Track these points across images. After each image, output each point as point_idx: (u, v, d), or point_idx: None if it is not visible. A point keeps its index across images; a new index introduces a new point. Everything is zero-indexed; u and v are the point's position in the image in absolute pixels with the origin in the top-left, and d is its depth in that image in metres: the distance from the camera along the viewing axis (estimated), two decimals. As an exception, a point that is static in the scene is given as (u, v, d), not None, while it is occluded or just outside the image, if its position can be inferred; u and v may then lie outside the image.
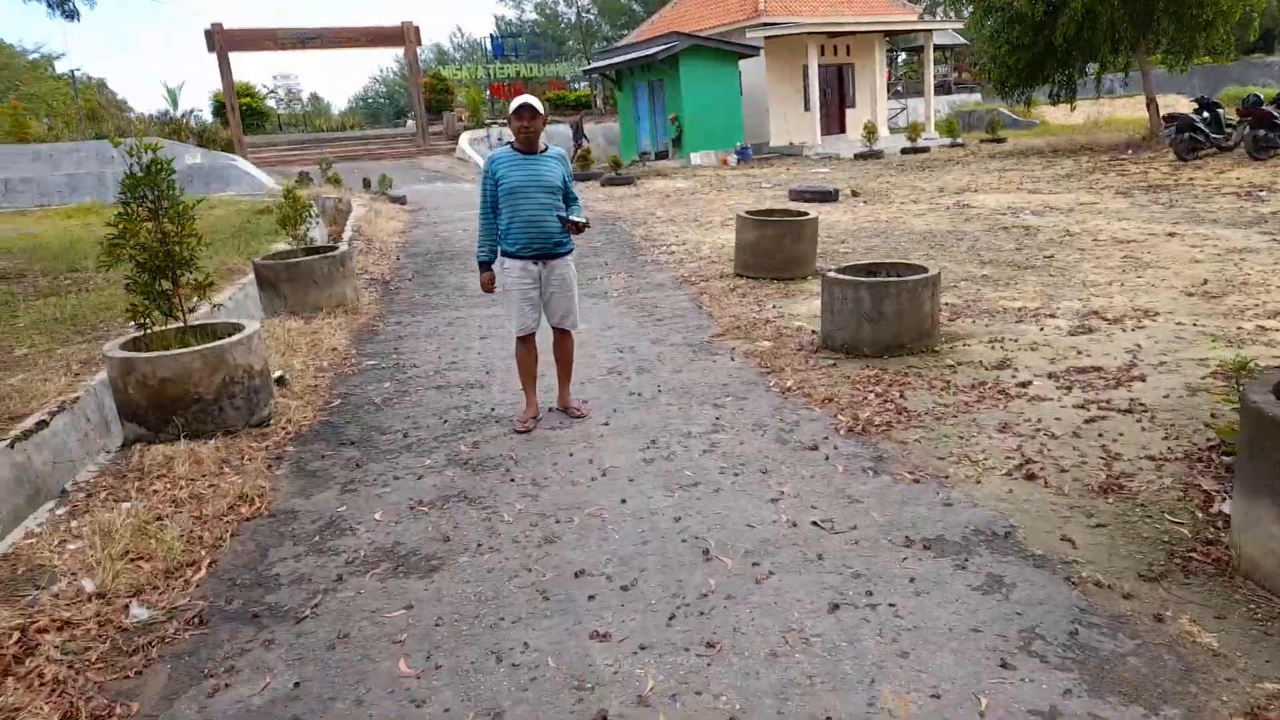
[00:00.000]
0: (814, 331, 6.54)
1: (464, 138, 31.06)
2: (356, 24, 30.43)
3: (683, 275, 9.25)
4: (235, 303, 8.42)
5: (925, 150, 24.39)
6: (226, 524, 3.91)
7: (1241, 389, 3.05)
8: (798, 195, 14.96)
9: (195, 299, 5.50)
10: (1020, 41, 19.65)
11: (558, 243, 4.90)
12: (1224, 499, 3.39)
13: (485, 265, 4.98)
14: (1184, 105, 25.61)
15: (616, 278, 9.38)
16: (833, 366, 5.71)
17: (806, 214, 8.86)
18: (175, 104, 29.86)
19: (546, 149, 4.88)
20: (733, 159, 24.69)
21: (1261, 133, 14.23)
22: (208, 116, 32.94)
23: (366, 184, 21.83)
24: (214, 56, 27.61)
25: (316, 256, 7.97)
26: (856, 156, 24.07)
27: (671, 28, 27.67)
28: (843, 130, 28.73)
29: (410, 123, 36.84)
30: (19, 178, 24.56)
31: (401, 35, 30.32)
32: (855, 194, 15.35)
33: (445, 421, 5.21)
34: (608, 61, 28.52)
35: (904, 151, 24.51)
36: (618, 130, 31.07)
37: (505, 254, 4.90)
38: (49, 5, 16.35)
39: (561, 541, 3.61)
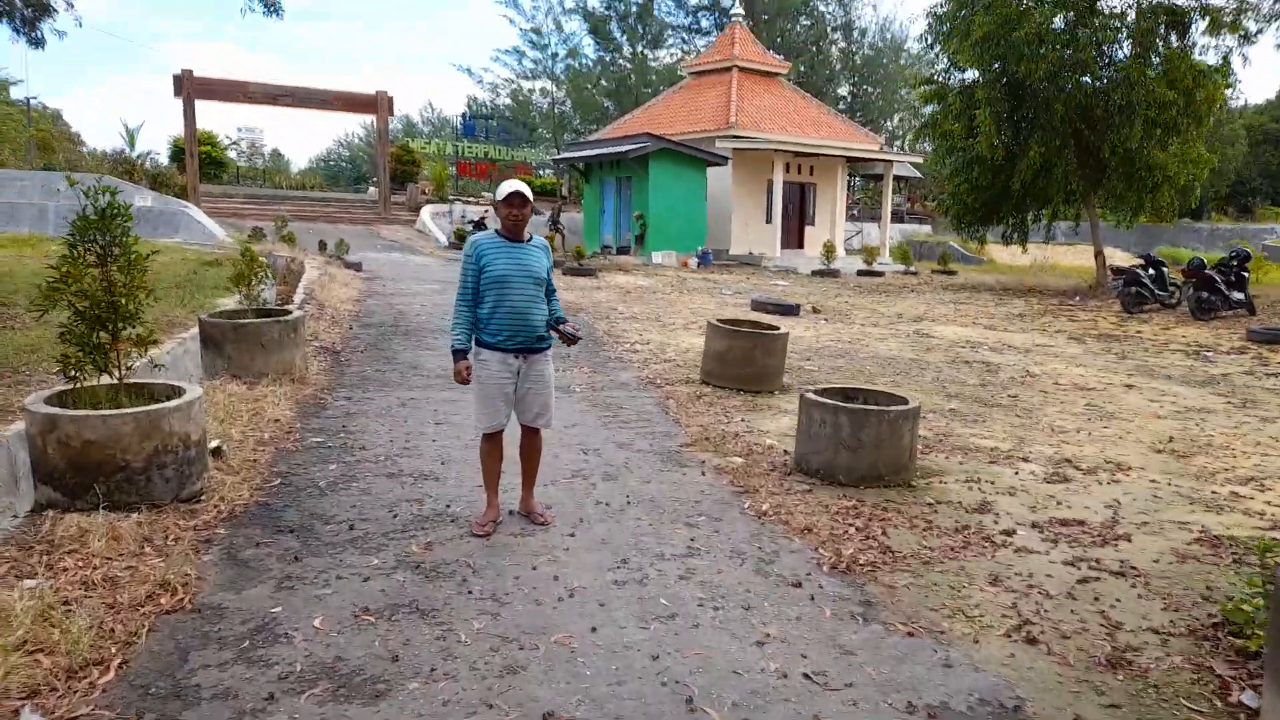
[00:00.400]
0: (786, 451, 6.32)
1: (426, 210, 30.96)
2: (331, 87, 30.35)
3: (648, 376, 9.03)
4: (173, 358, 7.90)
5: (880, 274, 25.01)
6: (143, 616, 3.43)
7: (1277, 573, 2.87)
8: (760, 306, 15.02)
9: (135, 355, 5.06)
10: (979, 182, 20.46)
11: (540, 337, 4.65)
12: (1243, 689, 3.17)
13: (461, 354, 4.66)
14: (1121, 257, 26.90)
15: (580, 372, 9.11)
16: (808, 492, 5.46)
17: (778, 328, 8.78)
18: (132, 144, 29.25)
19: (531, 238, 4.68)
20: (693, 262, 24.96)
21: (1205, 295, 14.84)
22: (165, 160, 32.33)
23: (322, 246, 21.42)
24: (179, 101, 27.22)
25: (268, 319, 7.54)
26: (814, 273, 24.54)
27: (644, 128, 28.30)
28: (801, 246, 29.40)
29: (372, 189, 36.72)
30: (-49, 203, 23.53)
31: (375, 104, 30.43)
32: (816, 310, 15.48)
33: (395, 515, 4.79)
34: (579, 154, 28.94)
35: (860, 273, 25.09)
36: (580, 220, 31.36)
37: (483, 344, 4.60)
38: (14, 30, 15.89)
39: (526, 673, 3.21)
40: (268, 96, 28.91)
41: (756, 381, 8.43)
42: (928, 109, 23.51)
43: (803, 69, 45.01)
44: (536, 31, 47.80)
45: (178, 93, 27.40)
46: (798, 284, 21.59)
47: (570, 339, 4.70)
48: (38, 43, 16.71)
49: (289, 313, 7.88)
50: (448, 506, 4.98)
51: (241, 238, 24.03)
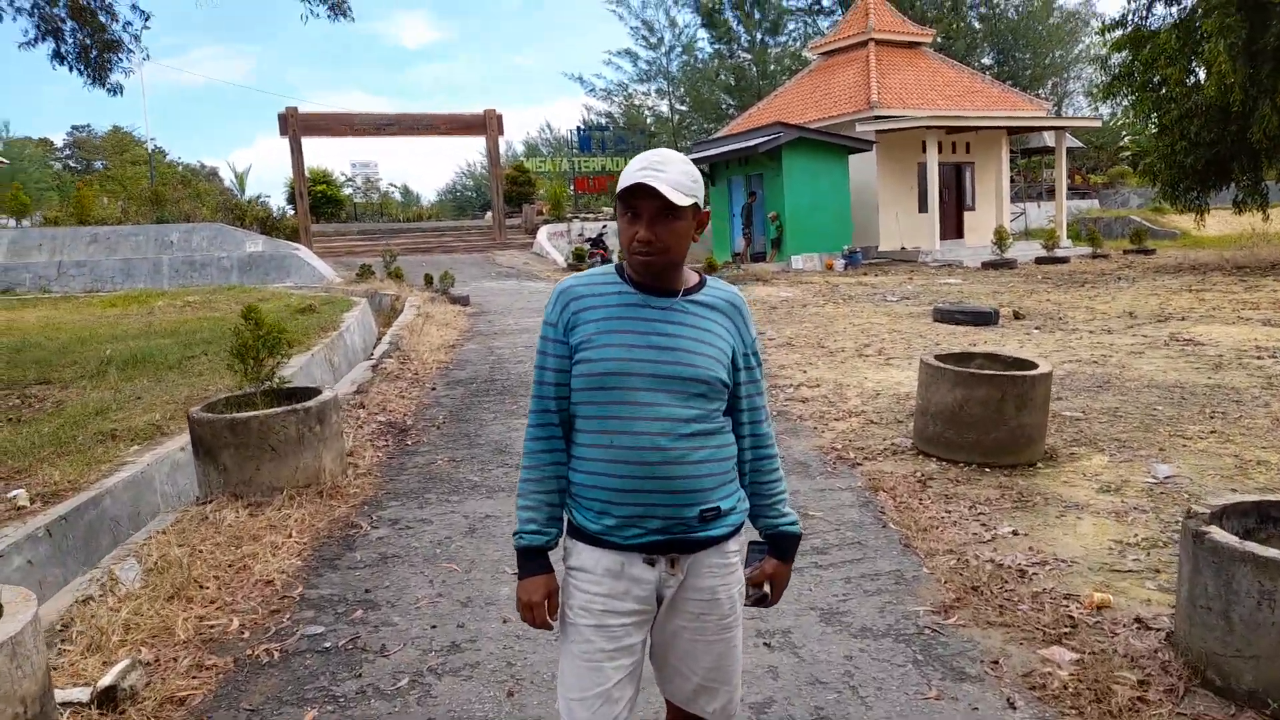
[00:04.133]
0: (1142, 622, 3.37)
1: (542, 232, 28.99)
2: (438, 110, 28.89)
3: (832, 445, 6.17)
4: (139, 479, 5.69)
5: (1064, 261, 21.12)
6: None
7: None
8: (946, 316, 11.84)
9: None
10: (1199, 137, 16.44)
11: (705, 514, 1.90)
12: None
13: (532, 553, 1.97)
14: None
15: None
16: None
17: (1034, 365, 5.75)
18: (242, 188, 28.68)
19: (701, 284, 1.97)
20: (839, 263, 21.80)
21: None
22: (281, 201, 31.75)
23: (429, 280, 19.57)
24: (286, 141, 26.29)
25: (279, 409, 5.16)
26: (985, 265, 20.93)
27: (774, 118, 25.32)
28: (960, 235, 25.64)
29: (488, 215, 35.26)
30: (74, 261, 23.17)
31: (483, 124, 28.74)
32: (1018, 315, 12.15)
33: None
34: (701, 154, 26.28)
35: (1039, 261, 21.28)
36: (706, 227, 28.71)
37: (578, 532, 1.95)
38: (88, 80, 14.61)
39: None
40: (373, 127, 27.69)
41: (1008, 450, 5.46)
42: (1116, 59, 19.48)
43: (940, 40, 40.80)
44: (648, 27, 45.52)
45: (283, 132, 26.48)
46: (971, 281, 18.10)
47: (762, 600, 2.08)
48: (114, 90, 15.43)
49: (313, 396, 5.48)
50: None
51: (350, 277, 22.67)
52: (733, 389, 1.95)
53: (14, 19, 13.79)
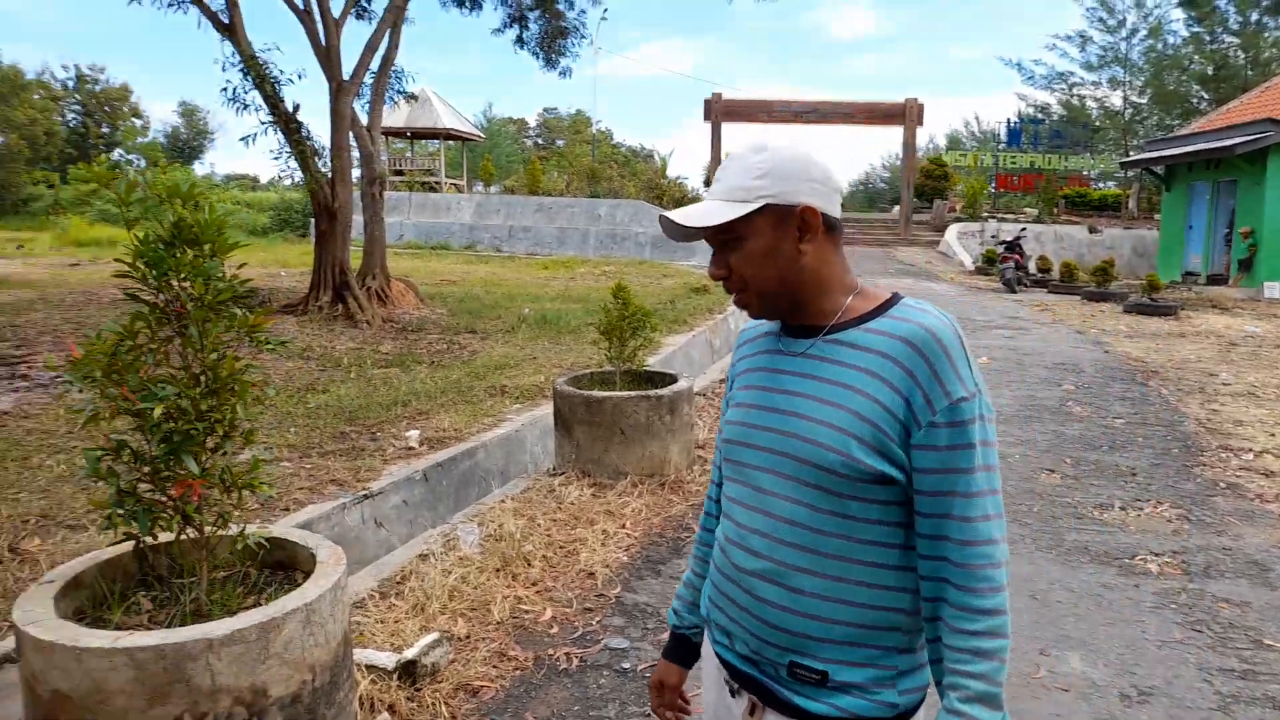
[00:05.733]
0: None
1: (952, 230, 27.03)
2: (857, 98, 28.19)
3: (1306, 544, 4.61)
4: (510, 439, 5.93)
5: None
6: None
7: None
8: None
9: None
10: None
11: (798, 671, 1.27)
12: None
13: (671, 634, 1.62)
14: None
15: (1155, 516, 5.04)
16: None
17: None
18: (664, 171, 30.45)
19: (876, 312, 1.27)
20: (1334, 298, 17.34)
21: None
22: (697, 183, 33.38)
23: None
24: (708, 125, 27.42)
25: (632, 394, 5.04)
26: None
27: (1264, 114, 20.83)
28: None
29: (896, 209, 33.86)
30: (521, 226, 26.37)
31: (902, 113, 27.46)
32: None
33: None
34: (1158, 154, 22.54)
35: None
36: (1151, 239, 24.64)
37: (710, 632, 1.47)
38: (544, 64, 16.29)
39: None
40: (791, 114, 27.76)
41: None
42: None
43: None
44: (1107, 7, 40.18)
45: (707, 116, 27.65)
46: None
47: None
48: (564, 73, 17.07)
49: (669, 383, 5.30)
50: None
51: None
52: (909, 481, 1.21)
53: (495, 9, 15.79)
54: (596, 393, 5.03)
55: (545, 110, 68.26)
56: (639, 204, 25.66)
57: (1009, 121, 33.29)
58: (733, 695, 1.37)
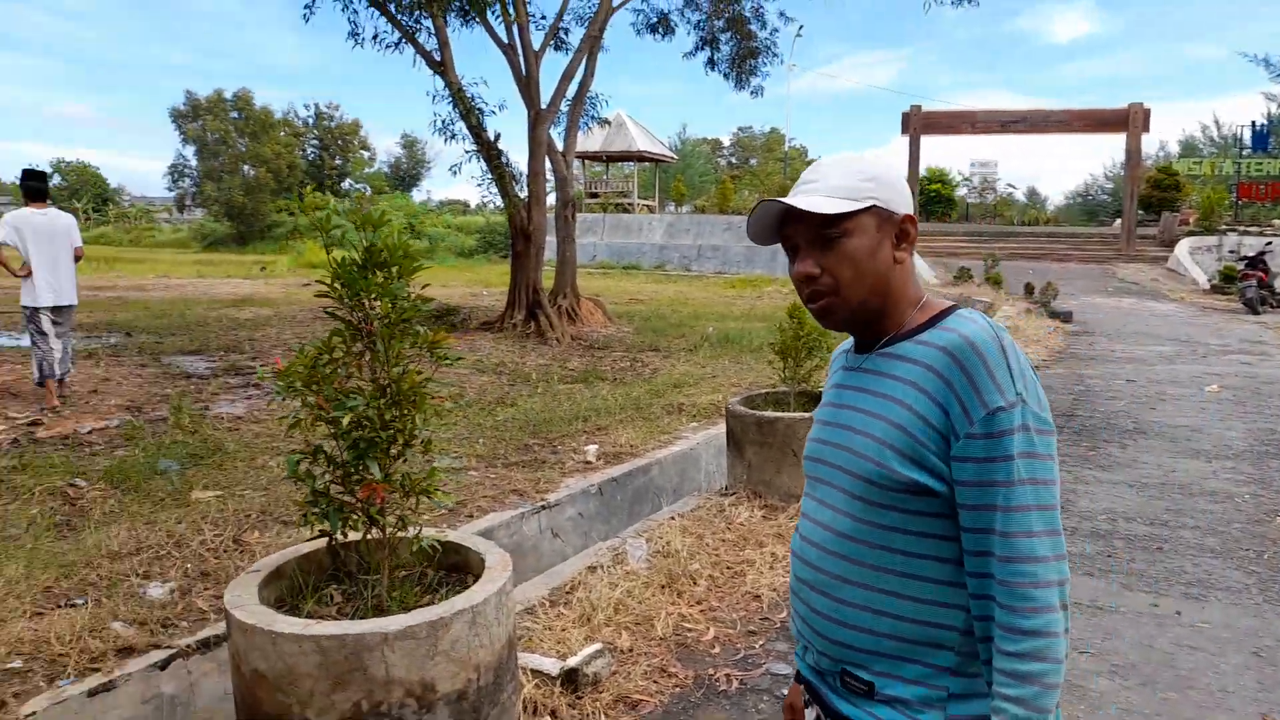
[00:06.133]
0: None
1: (1183, 245, 24.58)
2: (1071, 106, 26.33)
3: None
4: (690, 458, 5.95)
5: None
6: None
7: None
8: None
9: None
10: None
11: (847, 680, 1.27)
12: None
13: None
14: None
15: None
16: None
17: None
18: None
19: (927, 324, 1.24)
20: None
21: None
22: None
23: (1029, 289, 17.95)
24: (905, 139, 26.53)
25: (804, 415, 4.94)
26: None
27: None
28: None
29: (1117, 222, 31.27)
30: (710, 245, 26.64)
31: (1124, 120, 25.35)
32: None
33: None
34: None
35: None
36: None
37: None
38: (734, 85, 16.42)
39: None
40: (997, 124, 26.38)
41: None
42: None
43: None
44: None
45: (904, 130, 26.78)
46: None
47: None
48: (755, 92, 17.11)
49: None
50: None
51: (947, 278, 22.03)
52: (952, 494, 1.16)
53: (688, 34, 16.13)
54: (769, 413, 4.97)
55: (739, 129, 68.66)
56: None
57: (1254, 124, 29.86)
58: (806, 706, 1.40)
